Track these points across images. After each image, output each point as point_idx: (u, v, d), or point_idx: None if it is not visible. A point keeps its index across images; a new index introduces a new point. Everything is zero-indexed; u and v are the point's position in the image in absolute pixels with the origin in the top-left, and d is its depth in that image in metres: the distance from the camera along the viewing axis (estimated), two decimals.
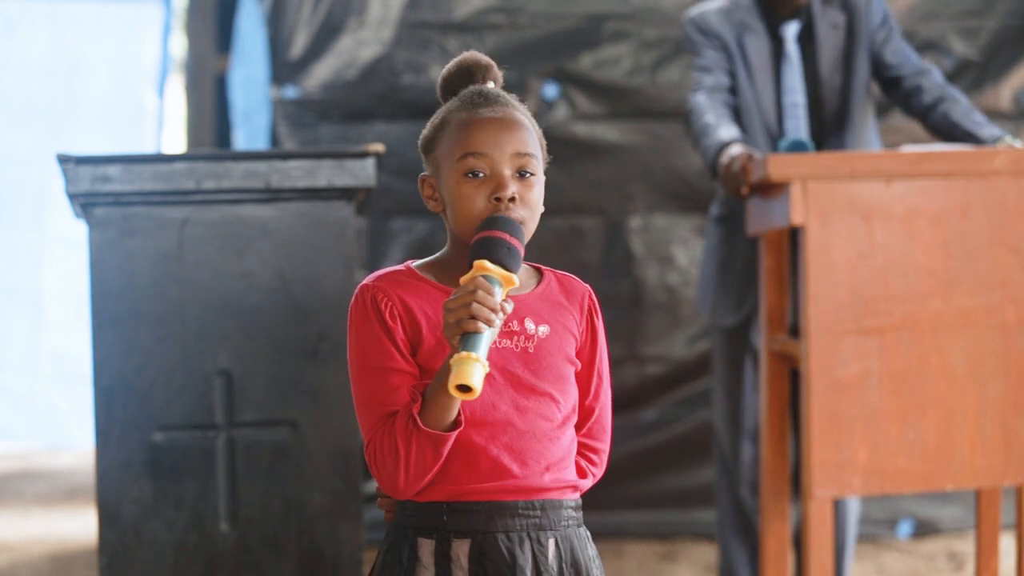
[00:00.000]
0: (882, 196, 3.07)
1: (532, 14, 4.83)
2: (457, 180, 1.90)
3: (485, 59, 2.00)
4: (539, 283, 2.00)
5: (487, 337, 1.79)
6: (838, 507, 3.72)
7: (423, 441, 1.84)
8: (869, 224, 3.06)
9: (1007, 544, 3.91)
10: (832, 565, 3.08)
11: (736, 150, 3.37)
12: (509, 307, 1.82)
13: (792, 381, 3.50)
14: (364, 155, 2.92)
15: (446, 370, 1.81)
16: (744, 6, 3.69)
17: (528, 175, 1.91)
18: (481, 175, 1.90)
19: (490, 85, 1.99)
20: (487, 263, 1.82)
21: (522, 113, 1.95)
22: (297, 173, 2.91)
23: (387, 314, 1.89)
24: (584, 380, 2.00)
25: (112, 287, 2.88)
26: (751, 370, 3.76)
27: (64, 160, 2.84)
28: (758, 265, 3.56)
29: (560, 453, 1.94)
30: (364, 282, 1.93)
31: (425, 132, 1.99)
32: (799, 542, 3.71)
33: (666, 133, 4.81)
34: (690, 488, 4.78)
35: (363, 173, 2.92)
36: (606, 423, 2.03)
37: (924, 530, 4.79)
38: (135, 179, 2.86)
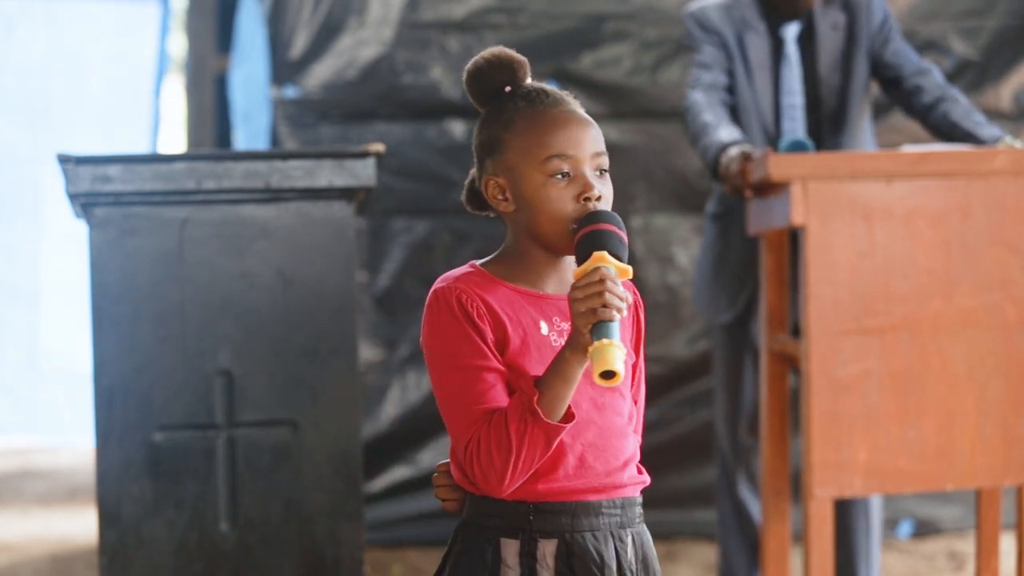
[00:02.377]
0: (882, 196, 3.07)
1: (532, 14, 4.83)
2: (543, 182, 1.91)
3: (518, 55, 2.00)
4: None
5: (618, 325, 1.82)
6: (862, 508, 3.74)
7: (537, 434, 1.85)
8: (869, 224, 3.06)
9: (1007, 544, 3.90)
10: (832, 565, 3.09)
11: (736, 151, 3.37)
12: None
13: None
14: (364, 155, 2.92)
15: (564, 361, 1.83)
16: (745, 3, 3.69)
17: (604, 172, 1.94)
18: (566, 176, 1.91)
19: (529, 82, 2.00)
20: (607, 255, 1.84)
21: (584, 111, 1.98)
22: (297, 173, 2.91)
23: (474, 314, 1.89)
24: (633, 375, 2.02)
25: (112, 287, 2.88)
26: (751, 367, 3.76)
27: (64, 160, 2.84)
28: (756, 262, 3.56)
29: (632, 448, 1.97)
30: (440, 285, 1.93)
31: (488, 132, 1.97)
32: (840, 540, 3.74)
33: (666, 133, 4.81)
34: (690, 488, 4.78)
35: (363, 173, 2.92)
36: (642, 417, 2.05)
37: (924, 530, 4.79)
38: (135, 179, 2.86)
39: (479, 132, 1.99)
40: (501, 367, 1.89)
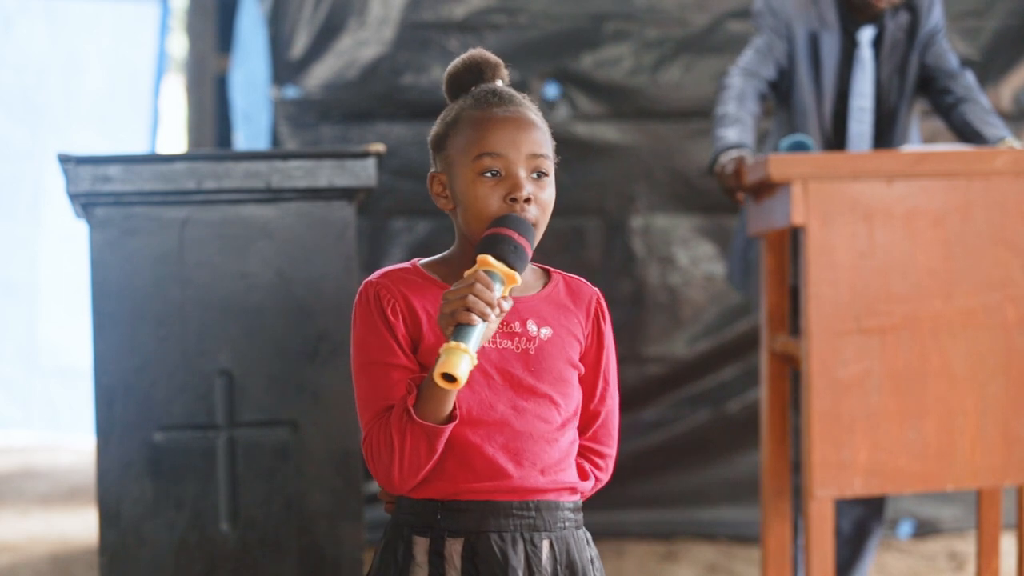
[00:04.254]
0: (883, 196, 3.07)
1: (533, 14, 4.83)
2: (472, 179, 1.91)
3: (493, 57, 2.01)
4: (545, 285, 2.00)
5: (479, 331, 1.80)
6: (876, 508, 3.74)
7: (417, 434, 1.85)
8: (870, 224, 3.06)
9: (1008, 544, 3.91)
10: (833, 565, 3.09)
11: (736, 154, 3.36)
12: (507, 304, 1.83)
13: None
14: (365, 155, 2.92)
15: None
16: (826, 2, 3.65)
17: (542, 175, 1.93)
18: (497, 175, 1.90)
19: (498, 83, 1.99)
20: (491, 258, 1.83)
21: (535, 113, 1.97)
22: (298, 173, 2.91)
23: (388, 310, 1.91)
24: (589, 384, 2.01)
25: (113, 287, 2.88)
26: None
27: (65, 160, 2.83)
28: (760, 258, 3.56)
29: (558, 455, 1.94)
30: (368, 279, 1.95)
31: (436, 129, 1.99)
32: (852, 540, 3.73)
33: (667, 133, 4.81)
34: (690, 488, 4.78)
35: (364, 173, 2.92)
36: (612, 428, 2.03)
37: (924, 530, 4.79)
38: (136, 179, 2.86)
39: (433, 129, 2.00)
40: (411, 365, 1.90)
